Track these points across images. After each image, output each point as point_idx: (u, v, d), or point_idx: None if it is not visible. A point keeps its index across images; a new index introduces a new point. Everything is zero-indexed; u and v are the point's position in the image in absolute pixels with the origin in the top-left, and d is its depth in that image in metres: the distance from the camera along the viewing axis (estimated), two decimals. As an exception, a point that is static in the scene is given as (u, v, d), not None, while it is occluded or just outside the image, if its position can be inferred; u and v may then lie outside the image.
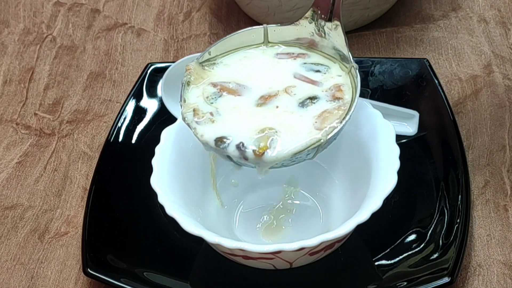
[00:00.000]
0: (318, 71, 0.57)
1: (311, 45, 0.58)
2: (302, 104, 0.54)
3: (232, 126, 0.53)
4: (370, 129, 0.56)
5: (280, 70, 0.57)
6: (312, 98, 0.55)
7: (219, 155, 0.55)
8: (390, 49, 0.75)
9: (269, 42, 0.59)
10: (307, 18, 0.57)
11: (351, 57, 0.55)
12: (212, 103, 0.55)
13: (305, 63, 0.57)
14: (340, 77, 0.56)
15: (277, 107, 0.54)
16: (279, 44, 0.59)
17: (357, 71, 0.55)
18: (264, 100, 0.55)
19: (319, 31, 0.57)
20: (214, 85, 0.56)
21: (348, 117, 0.53)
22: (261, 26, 0.58)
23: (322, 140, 0.52)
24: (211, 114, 0.54)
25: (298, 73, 0.56)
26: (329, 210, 0.60)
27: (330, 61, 0.57)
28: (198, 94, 0.56)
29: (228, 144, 0.52)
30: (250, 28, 0.58)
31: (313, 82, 0.56)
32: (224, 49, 0.58)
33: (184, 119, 0.54)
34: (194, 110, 0.54)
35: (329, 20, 0.56)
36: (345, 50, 0.56)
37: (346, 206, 0.58)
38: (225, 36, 0.58)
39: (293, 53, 0.58)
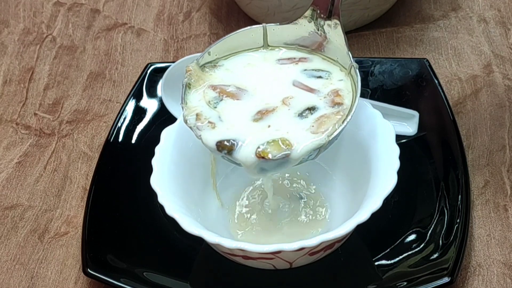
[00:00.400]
0: (319, 77, 0.56)
1: (317, 48, 0.58)
2: (301, 115, 0.54)
3: (234, 132, 0.53)
4: (370, 129, 0.56)
5: (281, 77, 0.56)
6: (311, 109, 0.54)
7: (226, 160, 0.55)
8: (390, 49, 0.75)
9: (269, 45, 0.58)
10: (306, 17, 0.57)
11: (351, 57, 0.55)
12: (215, 107, 0.55)
13: (305, 70, 0.57)
14: (341, 81, 0.55)
15: (269, 126, 0.53)
16: (280, 47, 0.58)
17: (357, 70, 0.55)
18: (261, 115, 0.54)
19: (318, 30, 0.57)
20: (214, 87, 0.56)
21: (349, 117, 0.53)
22: (260, 25, 0.58)
23: (321, 144, 0.52)
24: (210, 122, 0.54)
25: (297, 81, 0.56)
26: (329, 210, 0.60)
27: (332, 64, 0.57)
28: (199, 97, 0.55)
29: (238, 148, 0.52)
30: (249, 27, 0.58)
31: (311, 90, 0.55)
32: (224, 50, 0.58)
33: (186, 121, 0.54)
34: (197, 115, 0.54)
35: (328, 18, 0.56)
36: (345, 50, 0.55)
37: (346, 206, 0.58)
38: (225, 36, 0.58)
39: (294, 58, 0.58)
